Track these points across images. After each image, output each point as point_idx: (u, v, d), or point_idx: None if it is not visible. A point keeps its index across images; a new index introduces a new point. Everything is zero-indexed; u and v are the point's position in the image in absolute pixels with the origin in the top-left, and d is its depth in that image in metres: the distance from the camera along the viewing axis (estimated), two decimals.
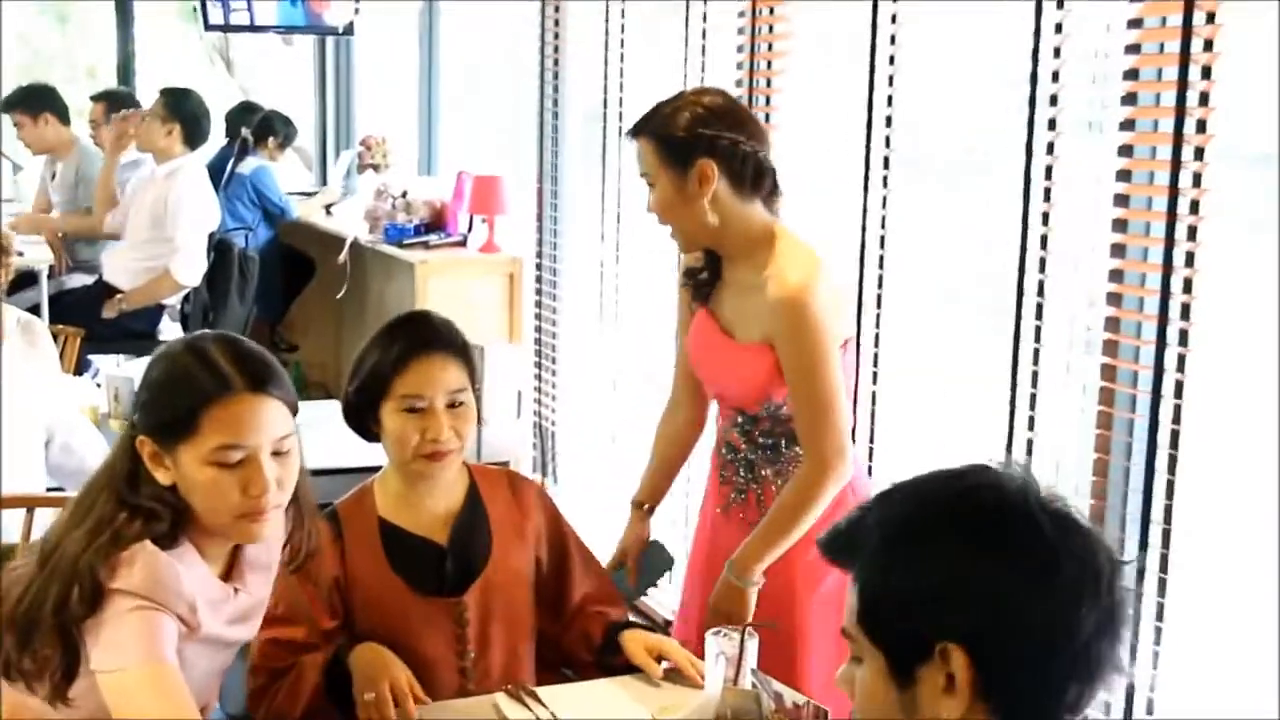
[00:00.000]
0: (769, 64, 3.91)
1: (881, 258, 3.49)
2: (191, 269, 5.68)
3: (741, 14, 3.97)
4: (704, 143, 2.52)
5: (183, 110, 5.75)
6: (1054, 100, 2.93)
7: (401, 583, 2.38)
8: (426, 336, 2.35)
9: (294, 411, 1.98)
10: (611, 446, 4.97)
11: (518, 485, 2.53)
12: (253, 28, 7.54)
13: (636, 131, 2.59)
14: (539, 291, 5.42)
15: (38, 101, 6.41)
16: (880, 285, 3.50)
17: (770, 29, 3.89)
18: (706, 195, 2.54)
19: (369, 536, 2.40)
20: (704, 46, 4.20)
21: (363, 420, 2.39)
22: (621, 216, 4.81)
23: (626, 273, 4.83)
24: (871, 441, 3.50)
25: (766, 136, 2.62)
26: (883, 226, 3.50)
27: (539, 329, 5.43)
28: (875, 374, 3.51)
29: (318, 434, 3.76)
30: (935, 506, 1.39)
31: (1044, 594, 1.32)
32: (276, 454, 1.93)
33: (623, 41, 4.73)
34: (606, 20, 4.76)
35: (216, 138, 7.19)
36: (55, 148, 6.43)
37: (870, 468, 3.46)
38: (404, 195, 6.07)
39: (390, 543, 2.40)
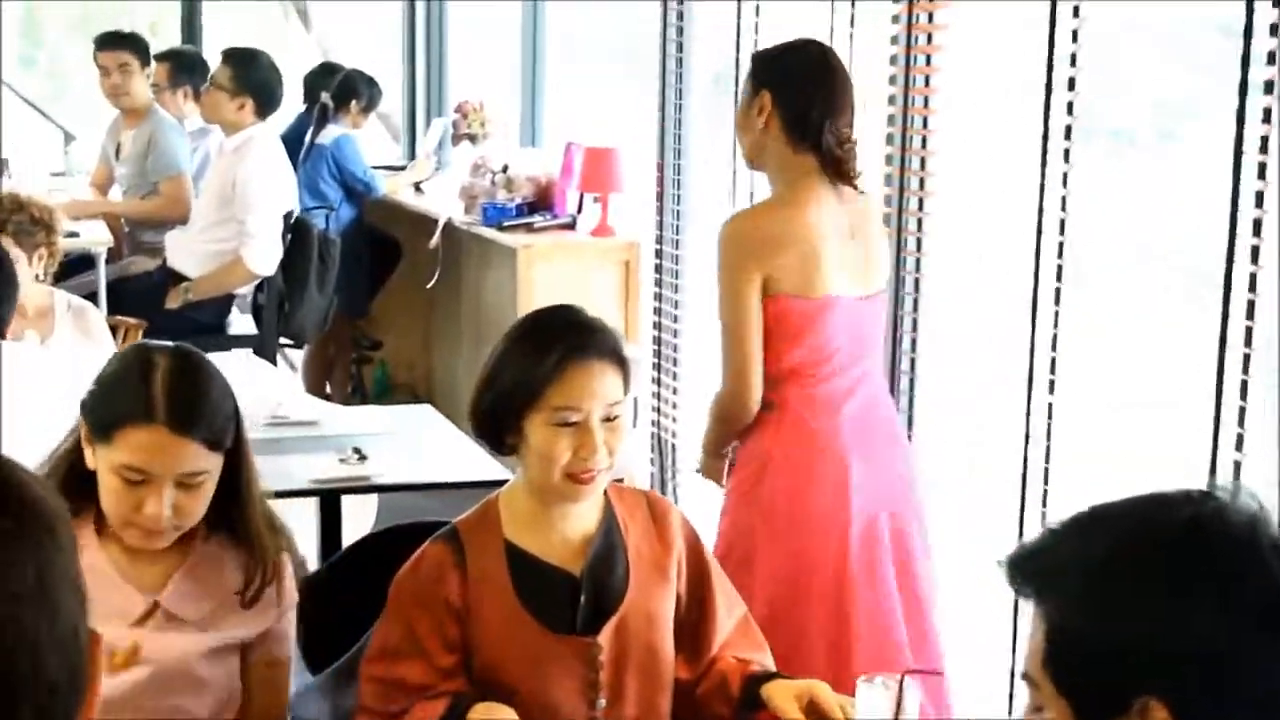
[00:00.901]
0: (930, 16, 3.90)
1: (1061, 245, 3.48)
2: (265, 255, 5.79)
3: (894, 20, 3.98)
4: (775, 78, 3.25)
5: (253, 77, 5.83)
6: (1272, 58, 2.89)
7: (529, 616, 2.41)
8: (585, 340, 2.37)
9: (221, 446, 2.28)
10: None
11: (658, 510, 2.54)
12: None
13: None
14: (658, 282, 5.44)
15: (134, 48, 6.52)
16: (1059, 278, 3.50)
17: (930, 17, 3.90)
18: (759, 124, 3.25)
19: (495, 562, 2.43)
20: (851, 35, 4.22)
21: (500, 432, 2.42)
22: (754, 195, 4.83)
23: None
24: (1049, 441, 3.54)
25: (848, 102, 3.26)
26: (1063, 209, 3.48)
27: (658, 325, 5.46)
28: (1054, 363, 3.53)
29: (408, 444, 3.90)
30: (1144, 540, 1.37)
31: (1268, 651, 1.30)
32: (184, 486, 2.25)
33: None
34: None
35: (292, 103, 7.35)
36: (135, 109, 6.50)
37: (1047, 472, 3.56)
38: (504, 170, 6.14)
39: (518, 570, 2.42)
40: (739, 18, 4.83)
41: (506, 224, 5.91)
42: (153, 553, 2.35)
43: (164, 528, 2.27)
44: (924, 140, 3.98)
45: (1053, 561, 1.41)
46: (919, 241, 4.04)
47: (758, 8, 4.76)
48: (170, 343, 2.39)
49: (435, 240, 6.33)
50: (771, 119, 3.23)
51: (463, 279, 6.43)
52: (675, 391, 5.38)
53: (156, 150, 6.36)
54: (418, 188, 7.15)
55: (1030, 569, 1.43)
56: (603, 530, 2.46)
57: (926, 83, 3.93)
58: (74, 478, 2.30)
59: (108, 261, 5.87)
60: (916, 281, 4.06)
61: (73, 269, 5.77)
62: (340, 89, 7.03)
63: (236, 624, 2.41)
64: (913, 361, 4.06)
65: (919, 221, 4.03)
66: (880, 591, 3.26)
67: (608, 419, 2.34)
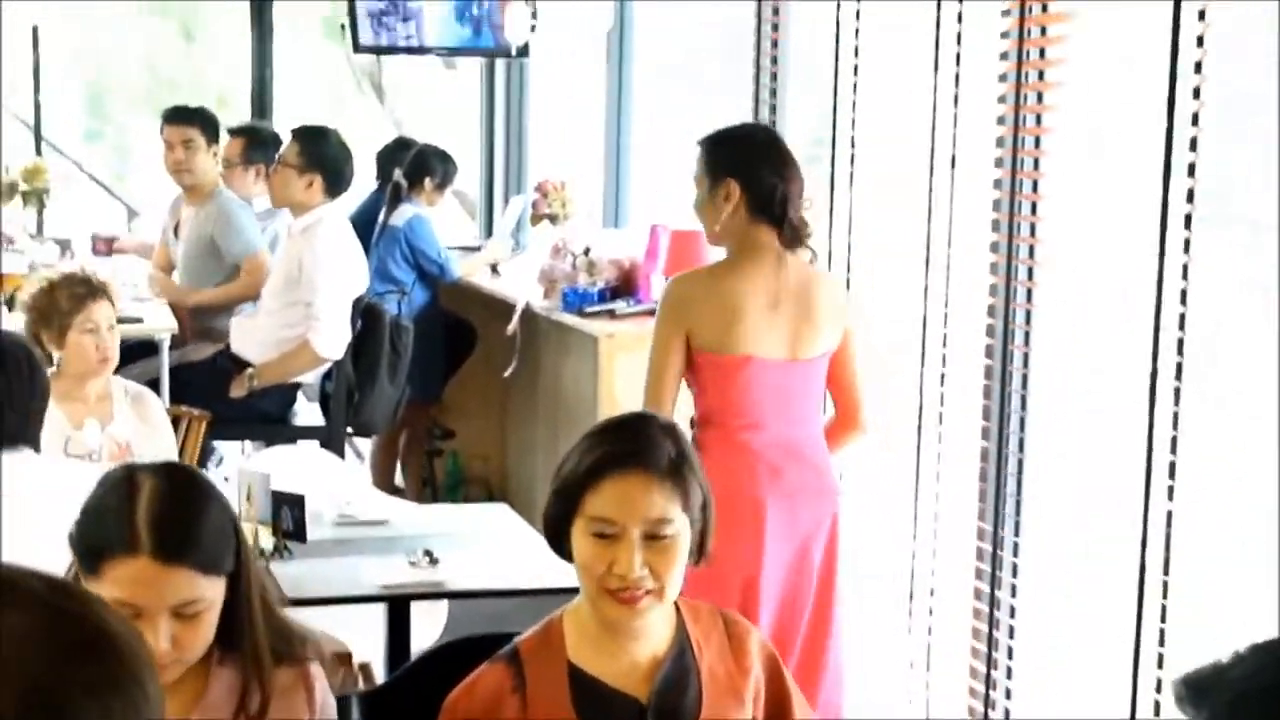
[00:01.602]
0: (1040, 74, 3.93)
1: (1183, 316, 3.47)
2: (333, 338, 5.85)
3: (1005, 20, 3.98)
4: (739, 166, 3.80)
5: (321, 154, 5.91)
6: None
7: None
8: (630, 448, 2.37)
9: (218, 570, 2.23)
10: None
11: (734, 630, 2.53)
12: (414, 49, 7.83)
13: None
14: None
15: (201, 124, 6.62)
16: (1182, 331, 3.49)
17: (1043, 31, 3.91)
18: (727, 209, 3.78)
19: (556, 686, 2.42)
20: (958, 56, 4.24)
21: (556, 535, 2.45)
22: (852, 269, 4.85)
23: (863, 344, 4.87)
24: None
25: (799, 178, 3.83)
26: (1184, 279, 3.46)
27: None
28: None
29: (481, 547, 3.93)
30: None
31: None
32: (181, 617, 2.20)
33: (856, 67, 4.79)
34: (837, 34, 4.83)
35: (365, 180, 7.48)
36: (198, 187, 6.60)
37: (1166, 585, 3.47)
38: (586, 252, 6.19)
39: (581, 696, 2.42)
40: (835, 95, 4.87)
41: (588, 310, 5.95)
42: (169, 686, 2.27)
43: (164, 663, 2.19)
44: (1034, 184, 4.00)
45: (1222, 689, 1.42)
46: (1029, 292, 4.04)
47: (855, 85, 4.80)
48: (160, 462, 2.38)
49: (513, 326, 6.38)
50: (739, 203, 3.78)
51: (540, 367, 6.47)
52: None
53: (232, 230, 6.45)
54: (494, 269, 7.22)
55: (1200, 694, 1.45)
56: (674, 653, 2.45)
57: (1038, 122, 3.96)
58: None
59: (171, 347, 5.97)
60: (1026, 335, 4.06)
61: (133, 354, 5.89)
62: (413, 166, 7.11)
63: None
64: (1022, 421, 4.05)
65: (1029, 270, 4.03)
66: (784, 626, 3.78)
67: (653, 536, 2.33)
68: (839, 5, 4.82)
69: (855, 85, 4.82)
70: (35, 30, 8.37)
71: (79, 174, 9.13)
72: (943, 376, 4.41)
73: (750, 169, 3.81)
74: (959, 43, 4.24)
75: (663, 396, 3.81)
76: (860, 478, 4.80)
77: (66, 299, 4.26)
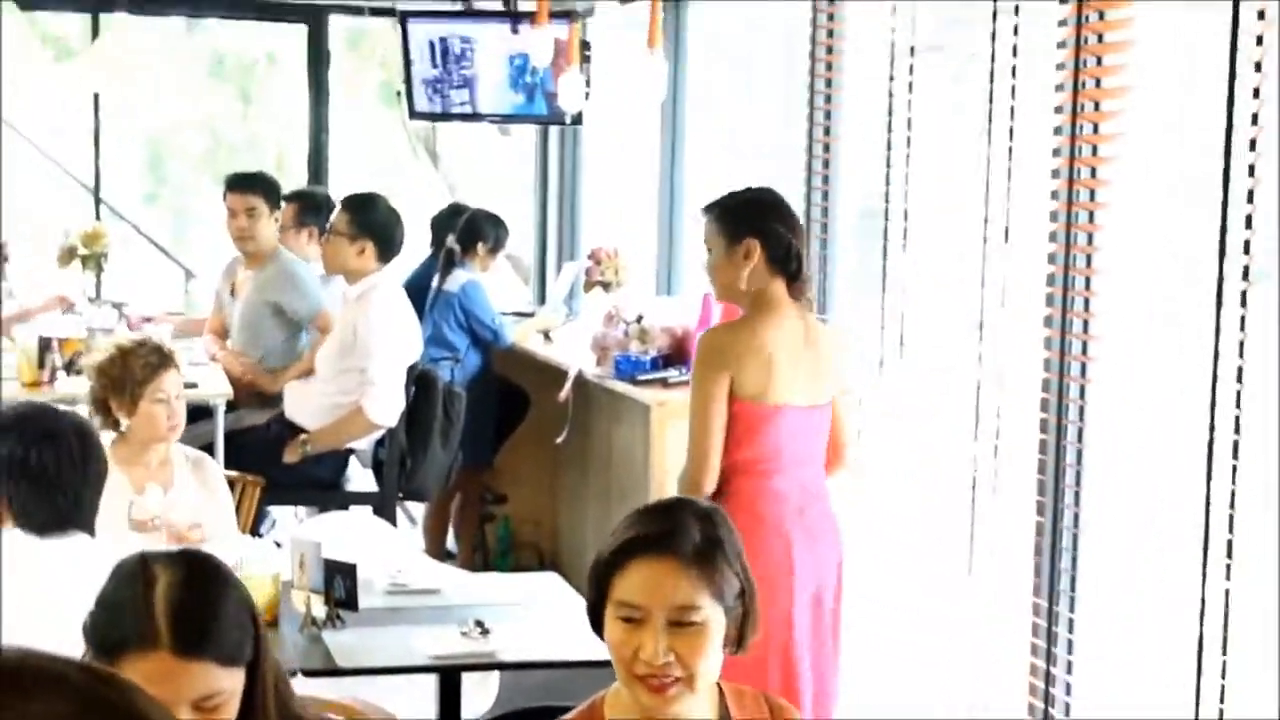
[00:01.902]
0: (1095, 127, 3.92)
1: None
2: (387, 405, 5.89)
3: (1060, 68, 3.99)
4: (759, 226, 4.00)
5: (372, 223, 5.94)
6: None
7: None
8: (657, 533, 2.36)
9: (238, 661, 2.18)
10: (899, 623, 4.98)
11: (780, 715, 2.53)
12: (468, 116, 7.90)
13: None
14: None
15: (264, 191, 6.64)
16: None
17: (1097, 83, 3.91)
18: (747, 267, 3.99)
19: None
20: (1012, 109, 4.24)
21: (593, 617, 2.44)
22: (905, 337, 4.86)
23: (913, 409, 4.85)
24: None
25: (803, 233, 4.14)
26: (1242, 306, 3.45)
27: None
28: None
29: (532, 617, 3.94)
30: None
31: None
32: (201, 709, 2.14)
33: (910, 120, 4.82)
34: (890, 97, 4.85)
35: (419, 244, 7.53)
36: (259, 254, 6.63)
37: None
38: (639, 320, 6.21)
39: None
40: (889, 149, 4.89)
41: (640, 378, 5.96)
42: None
43: None
44: (1092, 193, 3.98)
45: None
46: (1086, 301, 4.01)
47: (909, 138, 4.81)
48: (176, 548, 2.36)
49: (565, 393, 6.40)
50: (759, 261, 4.00)
51: (592, 434, 6.49)
52: None
53: (297, 291, 6.50)
54: (547, 336, 7.25)
55: None
56: None
57: (1094, 152, 3.94)
58: None
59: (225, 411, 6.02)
60: (1083, 351, 4.02)
61: (188, 418, 5.93)
62: (466, 231, 7.15)
63: None
64: (1079, 453, 4.02)
65: (1086, 280, 4.00)
66: (819, 654, 4.05)
67: (680, 623, 2.31)
68: (892, 60, 4.85)
69: (909, 140, 4.82)
70: (96, 96, 8.49)
71: (137, 236, 9.24)
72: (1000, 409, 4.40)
73: (768, 227, 4.04)
74: (1013, 77, 4.26)
75: (712, 446, 3.98)
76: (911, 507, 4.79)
77: (140, 367, 4.29)
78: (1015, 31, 4.25)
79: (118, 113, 8.67)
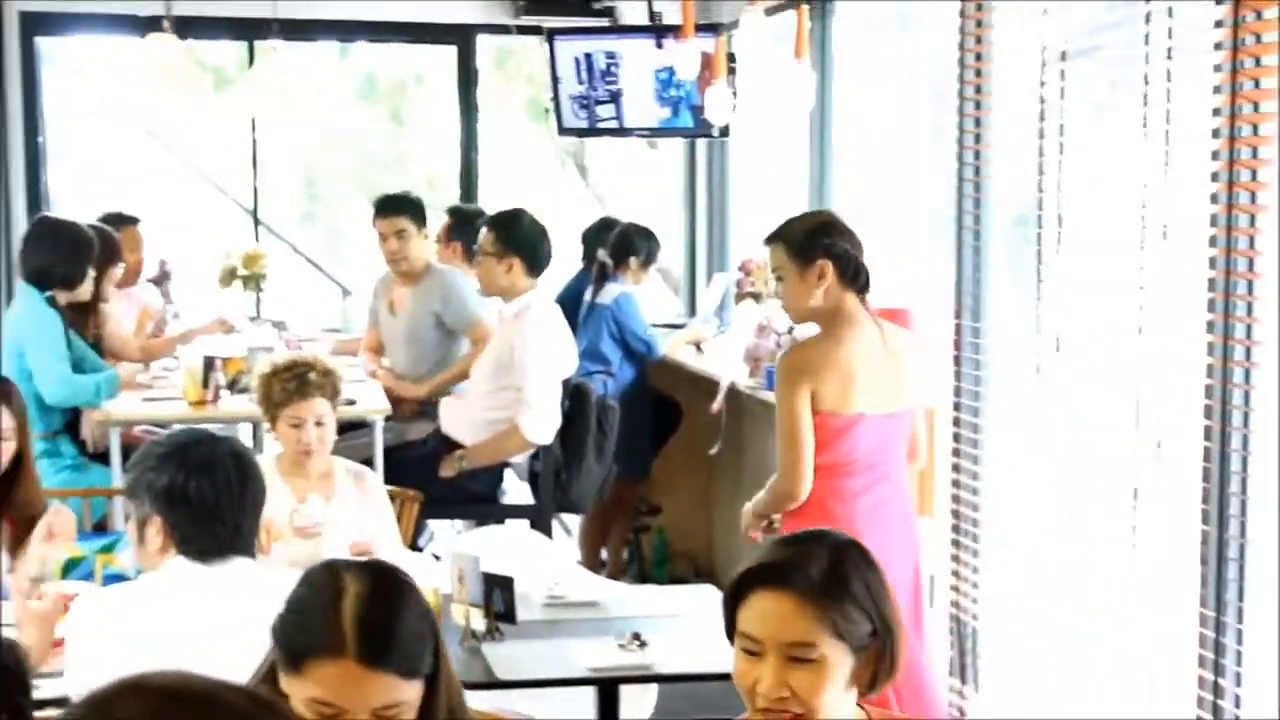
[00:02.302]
0: (1254, 128, 3.83)
1: None
2: (543, 424, 5.93)
3: (1217, 70, 3.89)
4: (832, 248, 4.27)
5: (518, 239, 5.98)
6: None
7: None
8: (780, 563, 2.32)
9: (418, 673, 2.24)
10: (1040, 650, 4.90)
11: None
12: (614, 131, 7.94)
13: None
14: (956, 451, 5.40)
15: (410, 213, 6.72)
16: None
17: (1256, 84, 3.82)
18: (820, 286, 4.26)
19: None
20: (1168, 112, 4.17)
21: (730, 638, 2.40)
22: (1062, 348, 4.78)
23: (1067, 426, 4.78)
24: None
25: (864, 250, 4.36)
26: None
27: (956, 498, 5.41)
28: None
29: (689, 629, 3.94)
30: None
31: None
32: (379, 718, 2.20)
33: (1062, 129, 4.75)
34: (1042, 102, 4.79)
35: (570, 257, 7.59)
36: (413, 272, 6.72)
37: None
38: (790, 331, 6.19)
39: None
40: (1041, 156, 4.82)
41: None
42: None
43: None
44: (1251, 240, 3.86)
45: None
46: (1249, 306, 3.89)
47: (1061, 144, 4.74)
48: (363, 559, 2.41)
49: (718, 405, 6.40)
50: (832, 280, 4.27)
51: (746, 445, 6.48)
52: (975, 570, 5.31)
53: (455, 301, 6.57)
54: (698, 347, 7.27)
55: None
56: None
57: (1254, 177, 3.85)
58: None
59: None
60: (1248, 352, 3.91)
61: (349, 429, 6.03)
62: (618, 245, 7.19)
63: None
64: (1244, 460, 3.89)
65: (1249, 284, 3.87)
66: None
67: (797, 660, 2.26)
68: (1043, 64, 4.79)
69: (1061, 145, 4.76)
70: (253, 121, 8.68)
71: (294, 255, 9.42)
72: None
73: (836, 247, 4.31)
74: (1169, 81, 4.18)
75: (801, 457, 4.25)
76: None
77: (279, 391, 4.40)
78: (1169, 34, 4.17)
79: (274, 136, 8.86)
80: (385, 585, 2.30)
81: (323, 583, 2.29)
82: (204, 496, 3.16)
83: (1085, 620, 4.64)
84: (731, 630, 2.37)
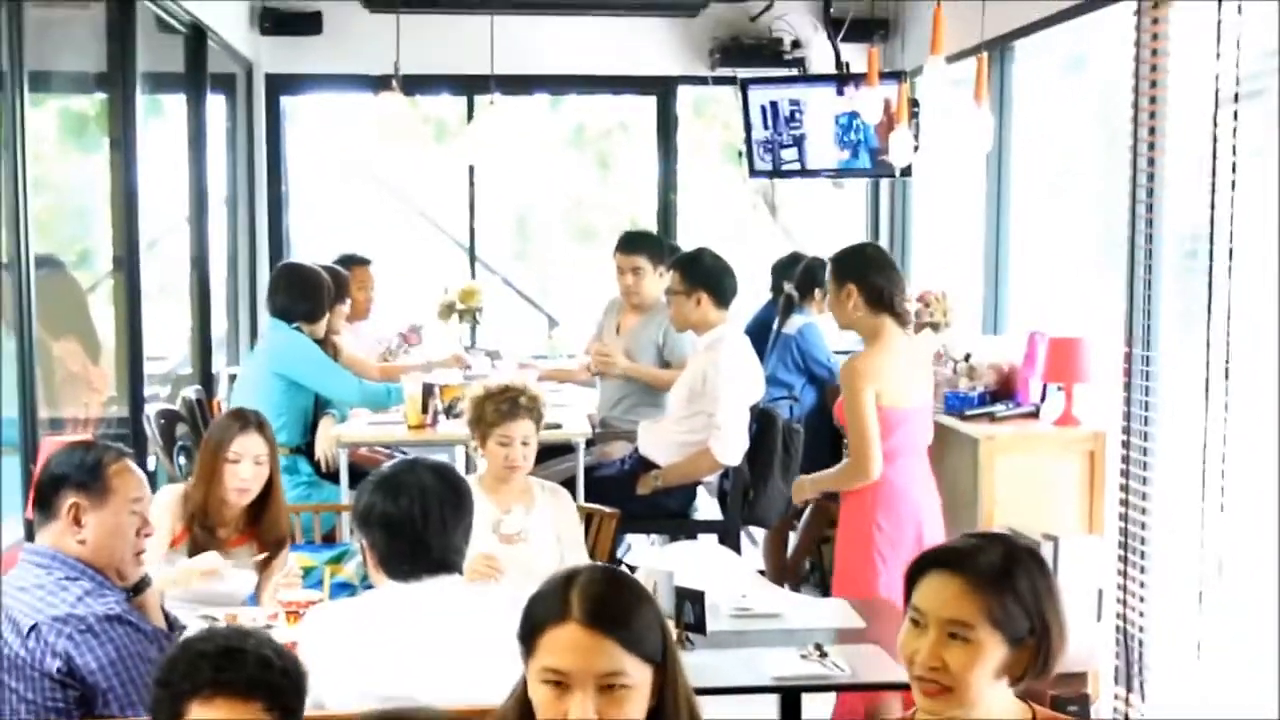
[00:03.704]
0: None
1: None
2: (732, 446, 5.91)
3: None
4: (857, 274, 4.78)
5: (703, 275, 5.97)
6: None
7: None
8: (958, 550, 2.36)
9: (641, 651, 2.24)
10: (1198, 661, 4.74)
11: None
12: (796, 172, 7.92)
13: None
14: (1125, 474, 5.27)
15: (649, 251, 6.74)
16: None
17: None
18: (850, 305, 4.79)
19: None
20: None
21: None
22: (1231, 374, 4.64)
23: (1235, 450, 4.63)
24: None
25: (900, 279, 4.89)
26: None
27: (1124, 516, 5.28)
28: None
29: (862, 636, 3.88)
30: None
31: None
32: (605, 691, 2.21)
33: (1234, 166, 4.61)
34: (1214, 133, 4.65)
35: (760, 290, 7.56)
36: (643, 306, 6.75)
37: None
38: (967, 359, 6.11)
39: None
40: (1213, 192, 4.68)
41: (969, 413, 5.87)
42: None
43: None
44: None
45: None
46: None
47: (1234, 165, 4.60)
48: (602, 565, 2.42)
49: None
50: (857, 301, 4.74)
51: None
52: (1143, 585, 5.17)
53: (674, 339, 6.54)
54: None
55: None
56: None
57: None
58: (528, 712, 2.29)
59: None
60: None
61: (555, 452, 6.09)
62: (804, 278, 7.15)
63: None
64: None
65: None
66: None
67: (954, 635, 2.30)
68: (1216, 103, 4.65)
69: (1233, 183, 4.61)
70: (471, 169, 8.82)
71: (507, 289, 9.54)
72: None
73: (862, 275, 4.78)
74: None
75: (871, 441, 4.70)
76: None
77: (492, 412, 4.48)
78: None
79: (490, 181, 8.99)
80: (618, 575, 2.37)
81: (562, 576, 2.32)
82: (401, 521, 3.18)
83: (1244, 635, 4.49)
84: (907, 603, 2.41)
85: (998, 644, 2.29)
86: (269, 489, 4.36)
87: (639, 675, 2.23)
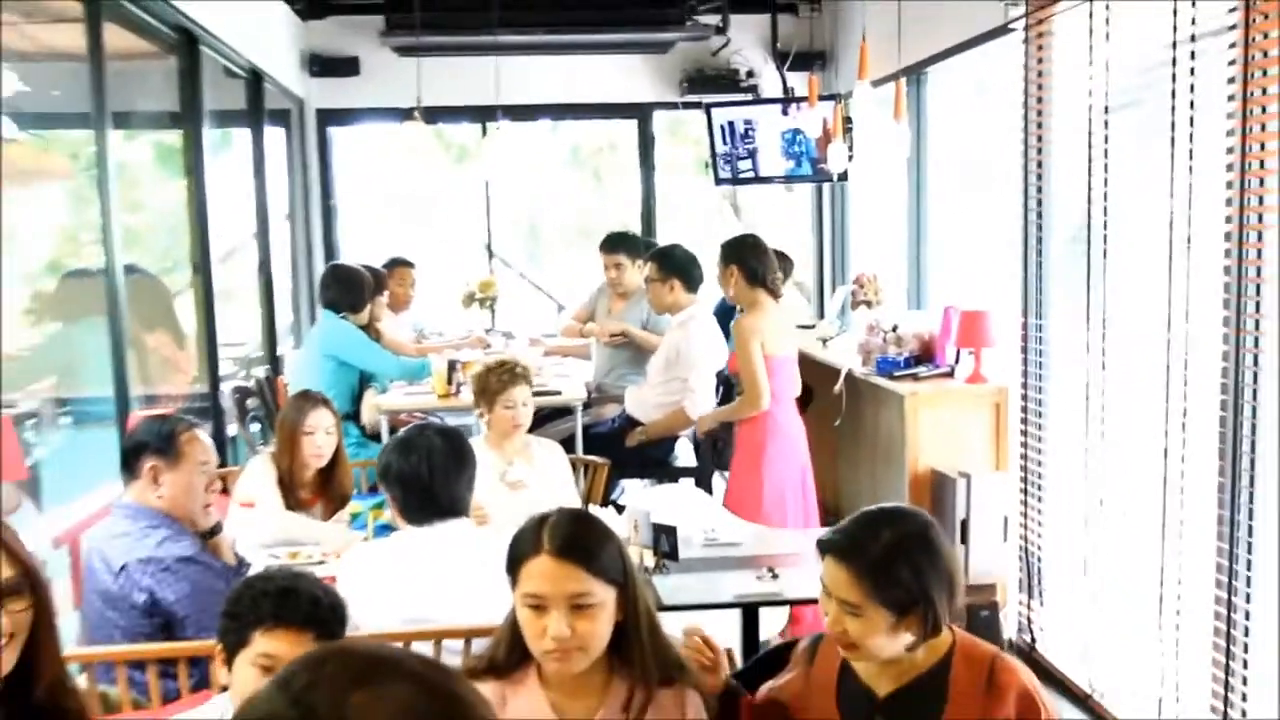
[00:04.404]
0: (1262, 148, 3.64)
1: None
2: (703, 406, 5.90)
3: (1231, 100, 3.72)
4: (737, 258, 5.15)
5: (675, 264, 5.98)
6: None
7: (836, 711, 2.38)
8: (844, 541, 2.29)
9: (605, 575, 2.24)
10: (1084, 575, 4.74)
11: (999, 677, 2.29)
12: (751, 179, 7.89)
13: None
14: (1024, 420, 5.27)
15: (626, 249, 6.76)
16: None
17: (1263, 109, 3.63)
18: (733, 281, 5.15)
19: (830, 668, 2.41)
20: (1190, 150, 3.98)
21: None
22: (1107, 340, 4.63)
23: (1113, 399, 4.62)
24: None
25: (772, 261, 5.22)
26: None
27: (1024, 456, 5.27)
28: None
29: (814, 562, 3.85)
30: None
31: None
32: (576, 609, 2.21)
33: (1106, 166, 4.59)
34: (1089, 139, 4.63)
35: None
36: (626, 294, 6.76)
37: None
38: (894, 329, 6.09)
39: (843, 677, 2.40)
40: (1089, 191, 4.66)
41: (896, 374, 5.85)
42: (581, 692, 2.31)
43: (568, 648, 2.22)
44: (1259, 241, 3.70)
45: None
46: (1257, 303, 3.71)
47: (1105, 165, 4.57)
48: (569, 508, 2.40)
49: (839, 387, 6.31)
50: (739, 279, 5.12)
51: (863, 418, 6.38)
52: (1040, 513, 5.16)
53: (653, 322, 6.57)
54: (824, 343, 7.17)
55: None
56: (926, 674, 2.32)
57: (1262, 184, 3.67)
58: (518, 630, 2.31)
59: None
60: (1255, 358, 3.74)
61: (556, 415, 6.08)
62: None
63: None
64: (1253, 443, 3.70)
65: (1258, 287, 3.70)
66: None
67: (849, 610, 2.25)
68: (1090, 115, 4.63)
69: (1105, 180, 4.60)
70: (487, 183, 8.79)
71: (521, 281, 9.51)
72: (1185, 396, 4.13)
73: (742, 259, 5.13)
74: (1191, 125, 4.00)
75: (763, 380, 5.06)
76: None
77: (495, 382, 4.44)
78: (1191, 89, 3.99)
79: (503, 193, 8.96)
80: (582, 514, 2.39)
81: (534, 518, 2.33)
82: (413, 476, 3.17)
83: (1122, 552, 4.48)
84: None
85: (885, 617, 2.24)
86: (336, 455, 4.35)
87: (604, 595, 2.23)
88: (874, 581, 2.23)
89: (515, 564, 2.27)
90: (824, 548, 2.31)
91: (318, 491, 4.34)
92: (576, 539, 2.26)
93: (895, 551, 2.24)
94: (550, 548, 2.23)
